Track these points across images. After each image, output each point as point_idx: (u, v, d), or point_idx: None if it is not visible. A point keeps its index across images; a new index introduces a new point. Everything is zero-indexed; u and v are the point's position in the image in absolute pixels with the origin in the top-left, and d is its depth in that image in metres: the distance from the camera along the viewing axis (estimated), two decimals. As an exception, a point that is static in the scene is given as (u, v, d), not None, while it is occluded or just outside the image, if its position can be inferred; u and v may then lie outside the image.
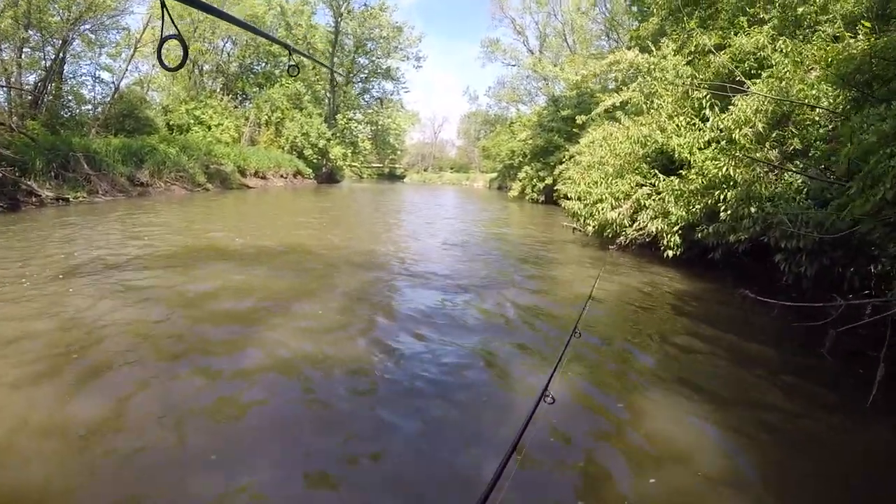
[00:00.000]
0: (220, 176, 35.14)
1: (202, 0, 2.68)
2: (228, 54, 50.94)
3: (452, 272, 10.62)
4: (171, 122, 42.05)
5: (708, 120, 11.38)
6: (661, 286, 10.28)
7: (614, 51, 22.62)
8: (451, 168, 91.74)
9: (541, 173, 34.72)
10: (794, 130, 9.98)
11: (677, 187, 11.37)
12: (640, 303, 9.00)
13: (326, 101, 54.71)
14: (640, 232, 12.69)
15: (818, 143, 9.29)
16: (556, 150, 32.62)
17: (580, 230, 14.94)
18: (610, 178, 13.51)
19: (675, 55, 14.03)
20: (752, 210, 9.18)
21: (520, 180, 37.96)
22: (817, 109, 9.43)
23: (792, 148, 9.89)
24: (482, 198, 44.47)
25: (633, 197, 12.82)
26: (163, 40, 2.44)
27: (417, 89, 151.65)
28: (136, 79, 43.68)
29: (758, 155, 9.80)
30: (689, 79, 12.30)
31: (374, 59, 57.62)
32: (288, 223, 17.84)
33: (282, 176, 45.23)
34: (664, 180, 12.10)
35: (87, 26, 35.01)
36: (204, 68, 48.98)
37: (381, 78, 60.62)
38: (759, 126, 10.10)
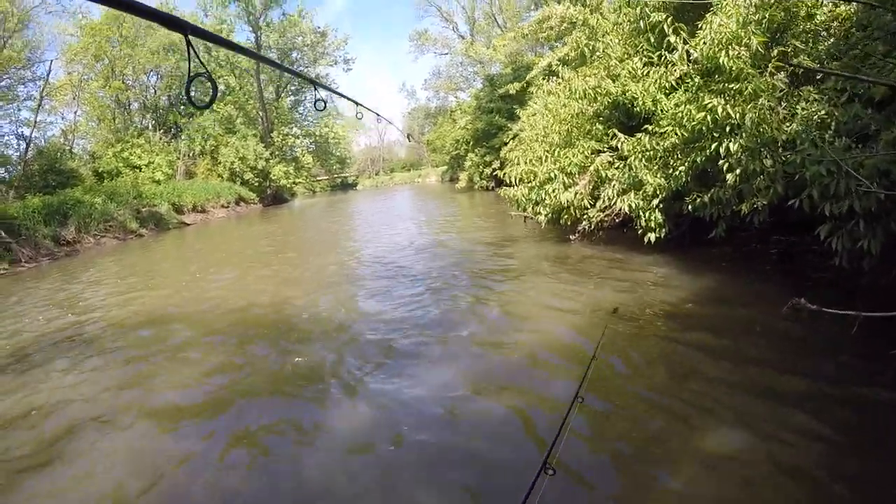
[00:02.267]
0: (154, 218, 31.81)
1: (225, 38, 2.52)
2: (155, 89, 47.54)
3: (388, 326, 7.35)
4: (99, 170, 38.73)
5: (675, 50, 8.25)
6: (651, 291, 7.29)
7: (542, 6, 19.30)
8: (403, 167, 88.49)
9: (486, 158, 31.78)
10: (798, 45, 6.97)
11: (647, 146, 8.31)
12: (629, 328, 5.92)
13: (260, 120, 50.90)
14: (607, 213, 9.65)
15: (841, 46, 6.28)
16: (498, 131, 29.68)
17: (531, 218, 11.77)
18: (557, 150, 10.38)
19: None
20: (768, 163, 6.12)
21: (466, 169, 34.90)
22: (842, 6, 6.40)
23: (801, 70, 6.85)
24: (432, 193, 41.21)
25: (591, 169, 9.72)
26: (191, 79, 2.13)
27: (357, 94, 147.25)
28: (62, 129, 41.21)
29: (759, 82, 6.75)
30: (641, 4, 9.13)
31: (301, 67, 53.83)
32: (210, 270, 14.51)
33: (223, 206, 41.60)
34: (627, 141, 8.99)
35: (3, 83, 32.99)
36: (133, 107, 45.70)
37: (312, 87, 55.90)
38: (755, 42, 7.02)
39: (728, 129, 6.93)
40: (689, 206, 7.67)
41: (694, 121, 7.34)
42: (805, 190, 5.38)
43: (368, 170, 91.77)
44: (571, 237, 10.56)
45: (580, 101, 9.80)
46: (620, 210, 9.49)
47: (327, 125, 57.96)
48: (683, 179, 7.70)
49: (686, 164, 7.63)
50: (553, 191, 10.15)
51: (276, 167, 49.05)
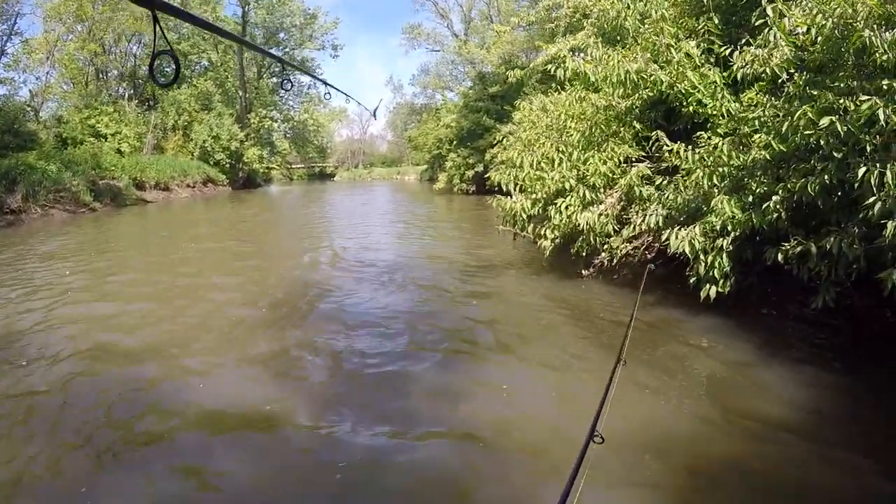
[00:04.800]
0: (112, 192, 28.85)
1: (193, 14, 2.36)
2: (136, 56, 43.81)
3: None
4: (63, 135, 35.17)
5: (769, 29, 5.46)
6: (726, 395, 4.67)
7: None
8: (383, 163, 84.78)
9: (469, 160, 28.97)
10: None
11: (724, 158, 5.56)
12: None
13: (239, 99, 47.45)
14: (636, 243, 6.94)
15: None
16: (485, 132, 26.91)
17: (526, 236, 8.88)
18: (575, 152, 7.62)
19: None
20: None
21: (446, 170, 32.07)
22: None
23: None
24: (410, 193, 38.34)
25: (622, 182, 6.99)
26: (154, 55, 2.01)
27: (344, 84, 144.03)
28: (30, 90, 37.65)
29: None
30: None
31: (287, 49, 50.45)
32: (170, 260, 11.59)
33: (188, 185, 38.55)
34: (688, 149, 6.24)
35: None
36: (111, 74, 42.27)
37: (296, 70, 53.15)
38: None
39: (877, 146, 4.26)
40: (780, 256, 4.99)
41: (807, 129, 4.66)
42: None
43: (348, 161, 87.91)
44: (584, 272, 7.72)
45: (615, 88, 7.01)
46: (653, 241, 6.83)
47: (307, 111, 54.70)
48: (774, 214, 4.99)
49: (782, 191, 4.94)
50: (567, 207, 7.34)
51: (251, 150, 45.88)
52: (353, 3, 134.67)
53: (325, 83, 4.84)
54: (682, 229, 5.70)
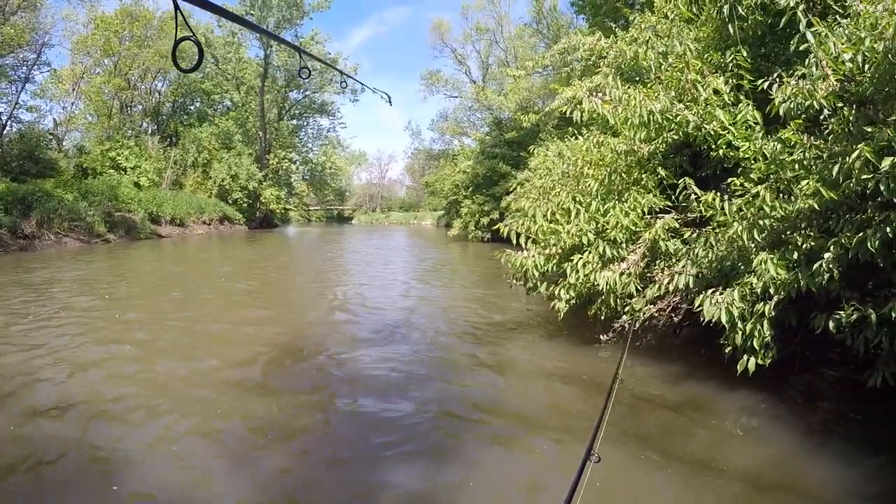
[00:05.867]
0: (126, 224, 29.02)
1: (214, 3, 2.05)
2: (160, 93, 44.95)
3: None
4: (84, 165, 35.56)
5: (813, 55, 4.66)
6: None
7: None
8: (401, 207, 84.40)
9: (484, 207, 28.26)
10: None
11: (766, 208, 4.73)
12: None
13: (259, 139, 47.54)
14: (661, 306, 6.10)
15: None
16: (501, 178, 26.29)
17: (537, 290, 7.88)
18: (594, 202, 6.80)
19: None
20: None
21: (461, 217, 31.36)
22: None
23: None
24: (425, 239, 37.43)
25: (647, 236, 6.18)
26: (177, 42, 2.02)
27: (371, 131, 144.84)
28: (54, 119, 38.47)
29: None
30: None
31: (307, 93, 50.76)
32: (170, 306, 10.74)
33: (204, 222, 38.41)
34: (723, 199, 5.38)
35: (6, 61, 31.50)
36: (137, 109, 42.93)
37: (316, 113, 53.52)
38: None
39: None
40: (831, 324, 4.16)
41: (864, 174, 3.88)
42: None
43: (366, 205, 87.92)
44: (602, 337, 6.67)
45: (637, 131, 6.27)
46: (680, 301, 5.98)
47: (325, 153, 54.73)
48: (825, 275, 4.17)
49: (834, 247, 4.13)
50: (584, 264, 6.47)
51: (268, 190, 45.85)
52: (373, 49, 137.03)
53: (342, 72, 5.13)
54: (717, 293, 4.85)
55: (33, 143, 32.49)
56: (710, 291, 4.97)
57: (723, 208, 5.17)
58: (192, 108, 49.64)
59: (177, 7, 1.76)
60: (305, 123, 54.36)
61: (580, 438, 4.19)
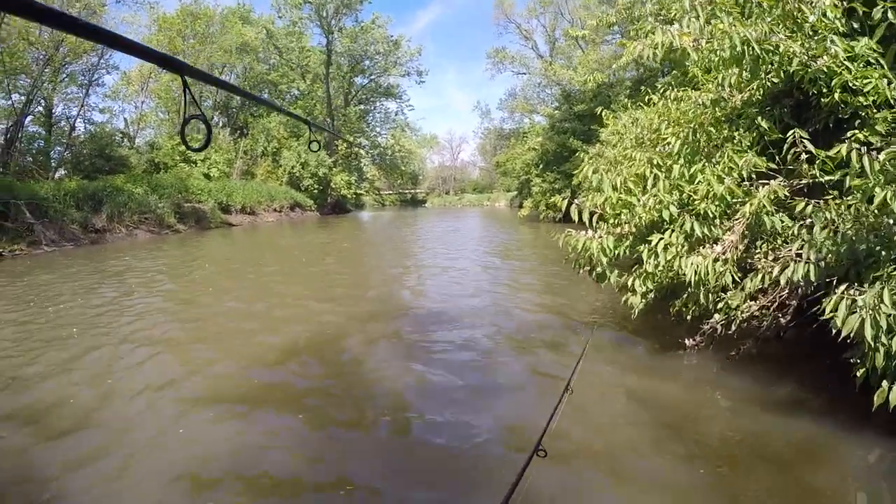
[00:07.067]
0: (196, 215, 29.50)
1: (219, 78, 2.66)
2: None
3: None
4: (156, 160, 36.46)
5: None
6: None
7: None
8: (474, 189, 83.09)
9: (555, 185, 26.58)
10: None
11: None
12: None
13: (327, 125, 47.11)
14: (764, 304, 4.59)
15: None
16: (572, 154, 24.51)
17: (605, 280, 6.22)
18: (676, 166, 5.19)
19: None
20: None
21: (531, 196, 29.78)
22: None
23: None
24: (498, 221, 35.77)
25: (748, 209, 4.50)
26: (185, 120, 2.01)
27: (434, 109, 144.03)
28: (125, 118, 40.21)
29: None
30: None
31: (372, 77, 49.97)
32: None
33: (275, 210, 38.54)
34: (861, 154, 3.63)
35: (76, 67, 31.95)
36: (206, 103, 43.27)
37: (382, 97, 52.66)
38: None
39: None
40: None
41: None
42: None
43: (439, 188, 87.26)
44: (688, 341, 5.18)
45: (728, 69, 4.70)
46: (788, 297, 4.46)
47: (394, 137, 54.03)
48: None
49: None
50: (666, 248, 4.95)
51: (338, 175, 45.63)
52: (439, 31, 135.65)
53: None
54: (855, 291, 3.30)
55: (104, 142, 33.43)
56: (842, 289, 3.42)
57: (861, 166, 3.56)
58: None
59: (186, 86, 1.75)
60: (372, 108, 53.81)
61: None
